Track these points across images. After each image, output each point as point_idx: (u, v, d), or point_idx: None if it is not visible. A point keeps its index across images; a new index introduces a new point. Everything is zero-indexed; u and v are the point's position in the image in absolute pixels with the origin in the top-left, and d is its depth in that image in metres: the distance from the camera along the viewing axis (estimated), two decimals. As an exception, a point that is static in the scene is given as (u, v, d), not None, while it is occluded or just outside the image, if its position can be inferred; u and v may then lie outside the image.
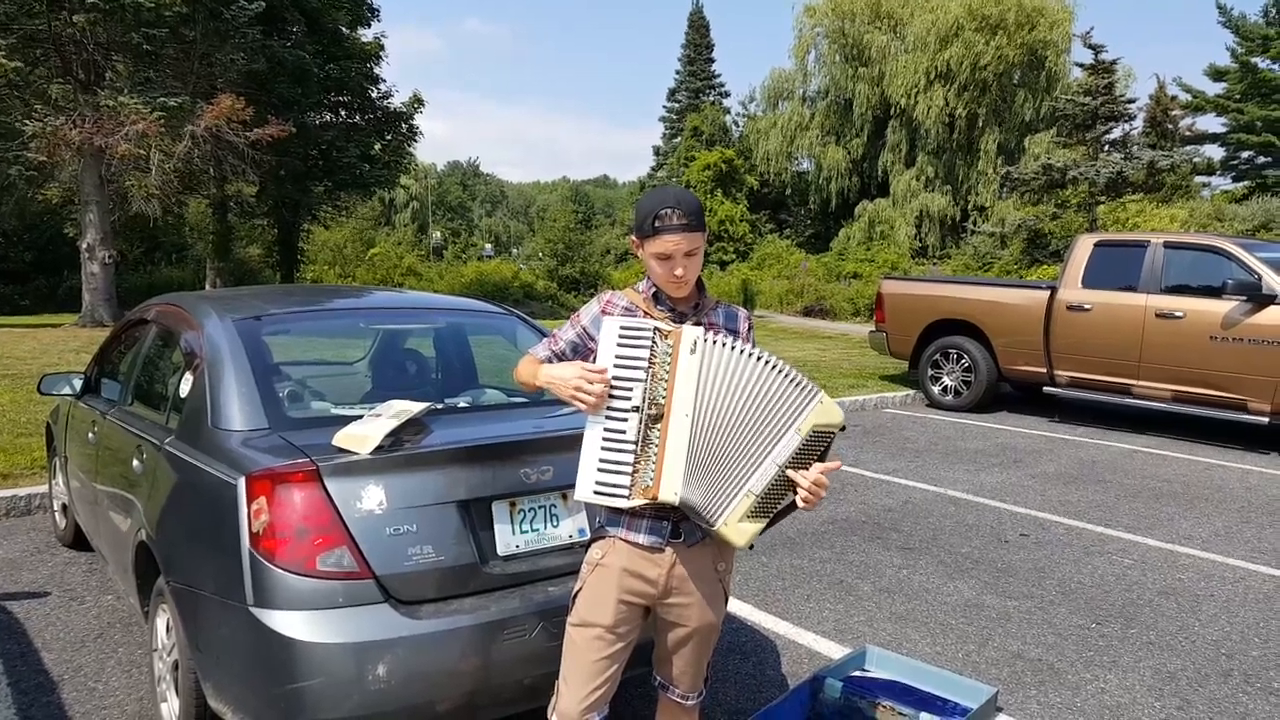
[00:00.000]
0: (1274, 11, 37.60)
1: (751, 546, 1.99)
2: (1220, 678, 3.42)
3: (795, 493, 1.96)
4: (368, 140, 21.53)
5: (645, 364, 1.94)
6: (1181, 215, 23.68)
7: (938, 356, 9.55)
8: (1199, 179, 32.20)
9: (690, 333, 1.94)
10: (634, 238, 2.05)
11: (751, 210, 35.19)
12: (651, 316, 2.05)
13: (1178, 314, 7.71)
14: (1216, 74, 39.55)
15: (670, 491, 1.92)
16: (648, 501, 1.94)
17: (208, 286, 20.35)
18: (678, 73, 49.09)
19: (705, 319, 2.10)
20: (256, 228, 25.86)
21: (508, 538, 2.50)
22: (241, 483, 2.33)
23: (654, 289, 2.07)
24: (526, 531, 2.54)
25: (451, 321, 3.76)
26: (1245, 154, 38.36)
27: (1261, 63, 38.10)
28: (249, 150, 15.34)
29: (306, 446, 2.41)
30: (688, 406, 1.93)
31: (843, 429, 2.00)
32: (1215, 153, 37.09)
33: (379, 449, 2.37)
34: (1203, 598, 4.23)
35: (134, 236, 22.65)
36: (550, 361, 2.13)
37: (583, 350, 2.12)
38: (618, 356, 1.96)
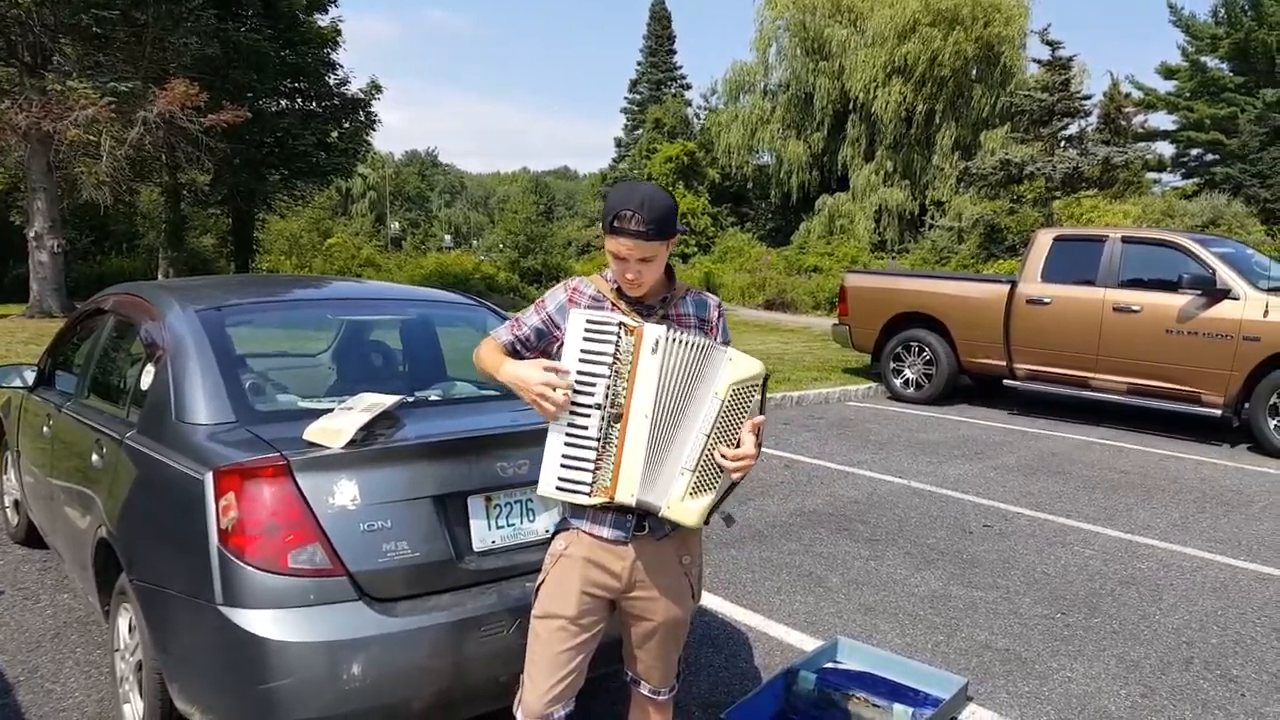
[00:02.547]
0: (1223, 11, 38.54)
1: (708, 521, 1.97)
2: (1181, 665, 3.50)
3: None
4: (325, 128, 21.11)
5: (610, 359, 1.92)
6: (1134, 211, 24.18)
7: (899, 349, 9.65)
8: (1150, 175, 32.92)
9: (652, 332, 1.91)
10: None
11: (713, 203, 35.23)
12: (618, 308, 2.01)
13: (1135, 308, 7.88)
14: (1168, 72, 40.46)
15: (627, 493, 1.91)
16: (606, 500, 1.92)
17: (160, 277, 19.86)
18: (639, 64, 48.96)
19: (673, 310, 2.06)
20: (210, 217, 25.28)
21: (483, 533, 2.46)
22: (209, 478, 2.26)
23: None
24: (503, 526, 2.50)
25: (420, 313, 3.70)
26: (1194, 151, 39.33)
27: (1210, 62, 39.07)
28: (203, 137, 14.96)
29: (276, 441, 2.35)
30: (647, 407, 1.90)
31: (767, 378, 1.98)
32: (1166, 149, 37.97)
33: (352, 443, 2.32)
34: (1163, 587, 4.33)
35: (83, 225, 21.99)
36: (513, 347, 2.08)
37: (547, 338, 2.07)
38: (583, 351, 1.93)
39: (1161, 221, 23.42)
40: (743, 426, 1.93)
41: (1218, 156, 37.02)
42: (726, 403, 1.91)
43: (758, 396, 1.95)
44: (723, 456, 1.91)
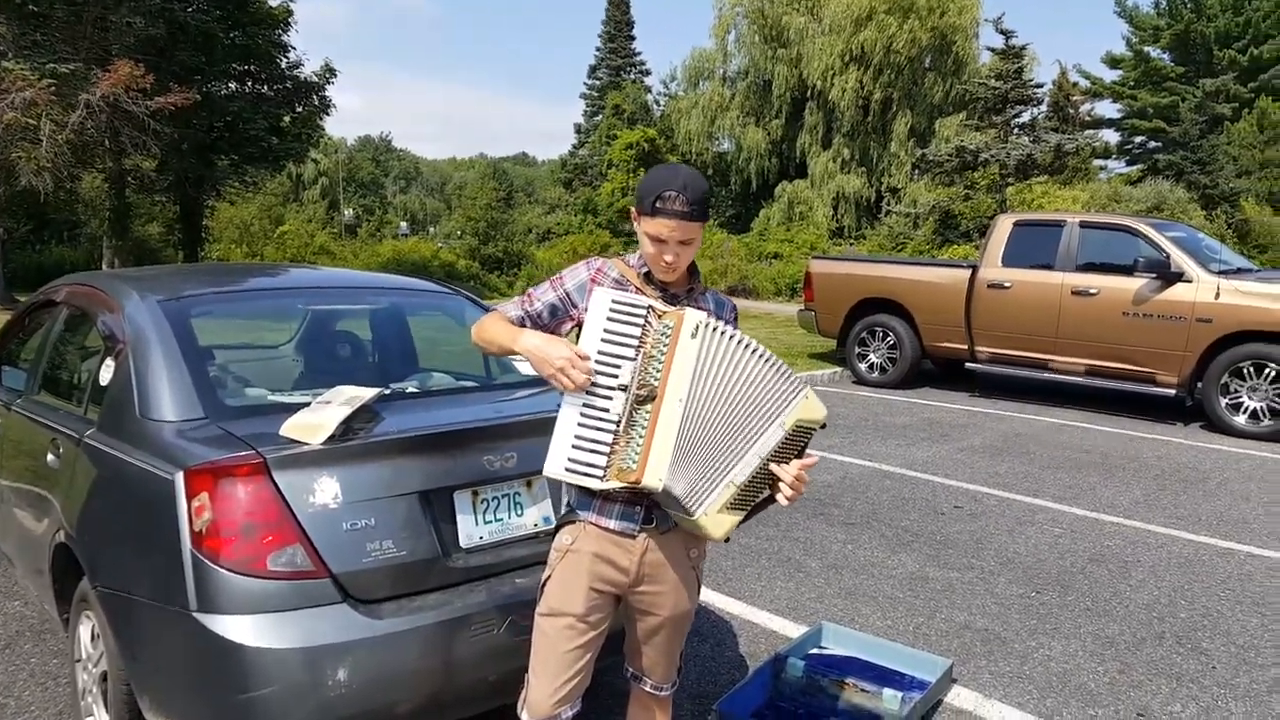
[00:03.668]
0: (1164, 3, 39.43)
1: (727, 539, 1.94)
2: (1155, 640, 3.55)
3: (775, 487, 1.92)
4: (277, 112, 20.60)
5: (636, 342, 1.86)
6: (1083, 197, 24.66)
7: (864, 334, 9.71)
8: (1096, 162, 33.63)
9: (693, 316, 1.86)
10: (634, 208, 1.95)
11: (673, 190, 35.12)
12: (644, 293, 1.96)
13: (1092, 291, 8.01)
14: (1113, 62, 41.34)
15: (655, 477, 1.84)
16: (624, 485, 1.86)
17: (104, 266, 19.24)
18: (598, 50, 48.57)
19: (697, 304, 2.02)
20: (157, 204, 24.53)
21: (470, 529, 2.39)
22: (179, 478, 2.15)
23: (646, 267, 1.98)
24: (490, 522, 2.43)
25: (393, 302, 3.59)
26: (1138, 139, 40.27)
27: (1153, 52, 39.98)
28: (149, 121, 14.49)
29: (250, 437, 2.25)
30: (682, 391, 1.85)
31: (823, 426, 1.97)
32: (1111, 137, 38.80)
33: (331, 439, 2.23)
34: (1131, 564, 4.40)
35: (21, 213, 21.22)
36: (524, 323, 2.00)
37: (561, 315, 2.00)
38: (606, 330, 1.87)
39: (1108, 207, 23.92)
40: (792, 462, 1.91)
41: (1160, 144, 37.93)
42: (790, 434, 1.89)
43: (809, 440, 1.94)
44: (786, 471, 1.89)
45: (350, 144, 75.20)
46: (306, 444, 2.21)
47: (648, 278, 1.98)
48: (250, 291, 3.34)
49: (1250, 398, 7.29)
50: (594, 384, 1.86)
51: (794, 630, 3.57)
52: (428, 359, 3.69)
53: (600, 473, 1.86)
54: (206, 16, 17.50)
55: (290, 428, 2.26)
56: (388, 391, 2.73)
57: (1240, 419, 7.32)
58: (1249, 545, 4.69)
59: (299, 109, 21.22)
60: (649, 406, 1.86)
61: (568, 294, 2.00)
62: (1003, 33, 19.65)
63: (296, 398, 2.67)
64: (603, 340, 1.87)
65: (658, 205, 1.85)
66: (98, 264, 20.28)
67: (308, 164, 42.69)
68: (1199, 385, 7.60)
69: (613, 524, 1.94)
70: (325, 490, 2.18)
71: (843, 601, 3.90)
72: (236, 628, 2.06)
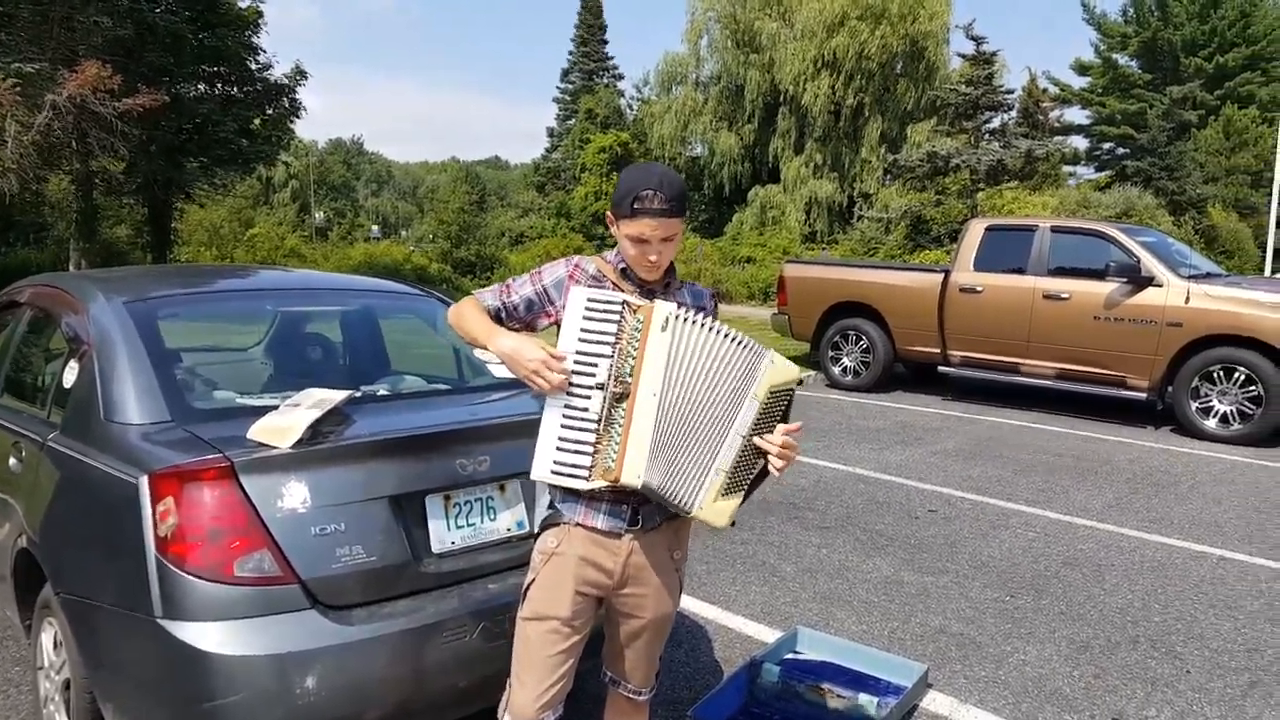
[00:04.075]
0: (1132, 11, 40.09)
1: (733, 523, 1.92)
2: (1129, 644, 3.57)
3: (766, 459, 1.89)
4: (247, 114, 20.35)
5: (612, 339, 1.85)
6: (1052, 203, 24.98)
7: (837, 338, 9.75)
8: (1066, 168, 34.11)
9: (662, 308, 1.85)
10: (610, 213, 1.94)
11: (647, 194, 35.17)
12: (620, 289, 1.95)
13: (1064, 295, 8.09)
14: (1081, 69, 41.94)
15: (633, 474, 1.83)
16: (608, 484, 1.85)
17: (70, 269, 18.90)
18: (571, 53, 48.59)
19: (673, 297, 2.01)
20: (125, 207, 24.15)
21: (442, 533, 2.35)
22: (144, 481, 2.10)
23: (624, 263, 1.96)
24: (462, 526, 2.39)
25: (364, 304, 3.54)
26: (1107, 145, 40.86)
27: (1121, 59, 40.62)
28: (117, 122, 14.24)
29: (217, 440, 2.20)
30: (655, 385, 1.84)
31: (800, 383, 1.95)
32: (1080, 143, 39.36)
33: (300, 442, 2.18)
34: (1104, 568, 4.43)
35: (-16, 215, 20.82)
36: (498, 313, 2.00)
37: (536, 310, 2.00)
38: (583, 330, 1.86)
39: (1077, 212, 24.24)
40: (776, 429, 1.89)
41: (1128, 150, 38.49)
42: (763, 405, 1.86)
43: (789, 402, 1.91)
44: (769, 442, 1.86)
45: (321, 147, 74.58)
46: (275, 447, 2.16)
47: (625, 273, 1.97)
48: (219, 293, 3.27)
49: (1220, 401, 7.39)
50: (574, 384, 1.85)
51: (769, 635, 3.56)
52: (399, 362, 3.64)
53: (585, 473, 1.85)
54: (175, 17, 17.25)
55: (258, 431, 2.21)
56: (358, 394, 2.69)
57: (1210, 423, 7.42)
58: (1221, 549, 4.74)
59: (269, 111, 20.97)
60: (625, 403, 1.85)
61: (545, 290, 1.99)
62: (973, 39, 19.88)
63: (266, 400, 2.62)
64: (580, 339, 1.86)
65: (636, 206, 1.84)
66: (64, 266, 19.91)
67: (278, 167, 42.27)
68: (1169, 389, 7.70)
69: (600, 522, 1.92)
70: (294, 495, 2.14)
71: (818, 606, 3.89)
72: (202, 635, 2.01)
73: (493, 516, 2.46)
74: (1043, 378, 8.37)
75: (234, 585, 2.04)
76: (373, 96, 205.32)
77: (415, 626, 2.17)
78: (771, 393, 1.87)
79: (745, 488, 1.91)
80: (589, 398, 1.85)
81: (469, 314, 1.99)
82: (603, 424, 1.85)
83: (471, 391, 3.00)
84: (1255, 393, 7.17)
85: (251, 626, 2.04)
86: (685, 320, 1.85)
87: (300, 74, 20.66)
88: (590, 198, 34.12)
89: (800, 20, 30.48)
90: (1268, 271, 23.44)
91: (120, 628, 2.15)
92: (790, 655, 3.29)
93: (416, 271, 24.30)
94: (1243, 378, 7.23)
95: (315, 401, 2.38)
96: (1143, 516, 5.29)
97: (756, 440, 1.87)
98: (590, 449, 1.85)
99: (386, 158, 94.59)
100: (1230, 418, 7.34)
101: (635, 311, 1.85)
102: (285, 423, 2.23)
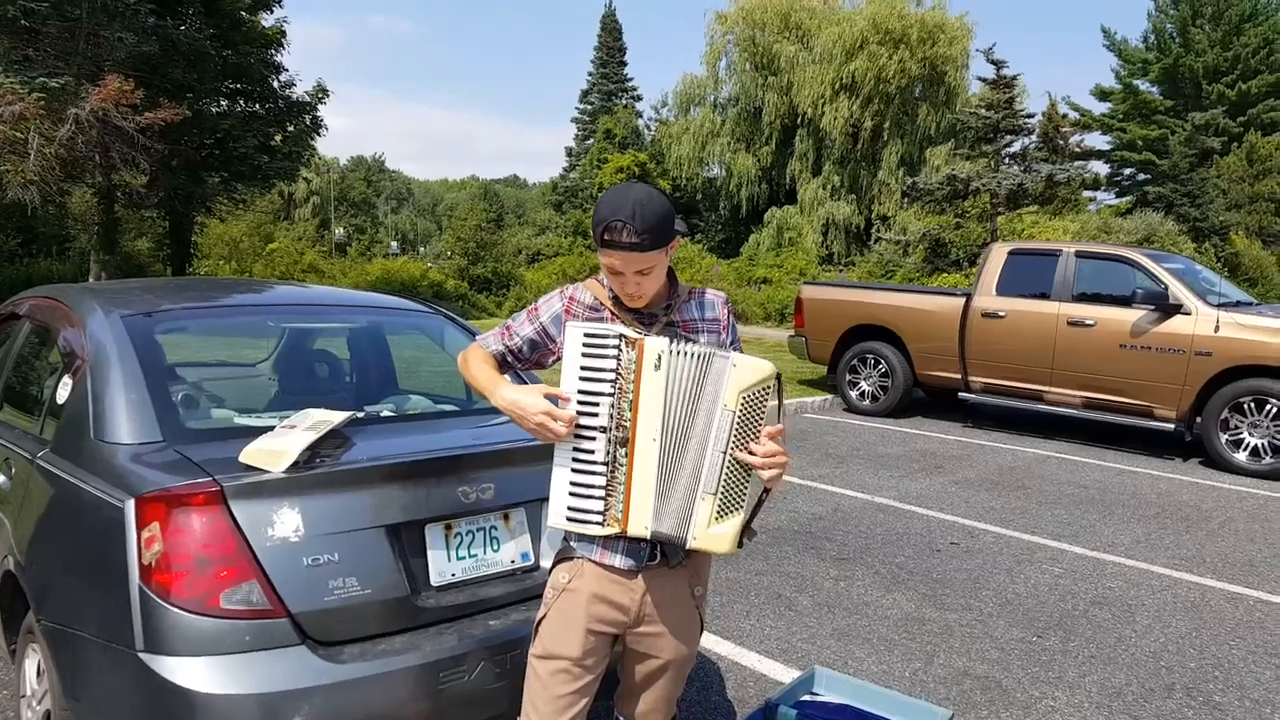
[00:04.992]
0: (1153, 38, 39.94)
1: (742, 545, 1.78)
2: (1164, 692, 3.39)
3: (753, 474, 1.77)
4: (268, 130, 20.49)
5: (612, 375, 1.74)
6: (1073, 228, 24.79)
7: (855, 362, 9.59)
8: (1086, 193, 33.91)
9: (654, 346, 1.73)
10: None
11: (664, 214, 35.20)
12: (617, 317, 1.84)
13: (1089, 322, 7.91)
14: (1102, 94, 41.79)
15: (640, 525, 1.72)
16: (619, 532, 1.75)
17: (90, 280, 19.02)
18: (590, 74, 48.89)
19: (677, 317, 1.89)
20: (146, 220, 24.35)
21: (442, 565, 2.23)
22: (130, 505, 1.99)
23: None
24: (464, 558, 2.27)
25: (370, 320, 3.44)
26: (1127, 170, 40.62)
27: (1142, 85, 40.44)
28: (139, 136, 14.32)
29: (208, 463, 2.09)
30: (654, 430, 1.72)
31: (778, 377, 1.80)
32: (1100, 169, 39.17)
33: (294, 466, 2.07)
34: (1135, 607, 4.25)
35: (10, 226, 21.02)
36: (504, 358, 1.94)
37: (540, 349, 1.92)
38: (583, 368, 1.76)
39: (1098, 238, 24.03)
40: (760, 435, 1.75)
41: (1150, 176, 38.21)
42: (738, 413, 1.73)
43: (773, 401, 1.77)
44: (748, 457, 1.73)
45: (343, 163, 75.26)
46: (267, 471, 2.05)
47: (619, 301, 1.86)
48: (222, 308, 3.18)
49: (1251, 434, 7.17)
50: (581, 425, 1.76)
51: (784, 673, 3.40)
52: (406, 380, 3.54)
53: (599, 518, 1.77)
54: (200, 35, 17.41)
55: (250, 454, 2.10)
56: (361, 415, 2.58)
57: (1241, 456, 7.20)
58: (1258, 590, 4.55)
59: (290, 128, 21.11)
60: (626, 448, 1.75)
61: (544, 328, 1.92)
62: (993, 63, 19.75)
63: (266, 420, 2.52)
64: (581, 378, 1.76)
65: (606, 237, 1.72)
66: (86, 278, 20.07)
67: (299, 182, 42.65)
68: (1198, 420, 7.48)
69: (619, 561, 1.82)
70: (286, 522, 2.03)
71: (835, 643, 3.73)
72: (186, 671, 1.90)
73: (496, 547, 2.33)
74: (1067, 406, 8.17)
75: (220, 618, 1.93)
76: (394, 116, 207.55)
77: (411, 666, 2.05)
78: (744, 398, 1.74)
79: (742, 507, 1.78)
80: (594, 439, 1.76)
81: (474, 363, 1.94)
82: (610, 468, 1.76)
83: (479, 414, 2.88)
84: (1288, 425, 6.95)
85: (237, 663, 1.92)
86: (678, 354, 1.73)
87: (322, 91, 20.80)
88: (607, 217, 34.13)
89: (819, 44, 30.51)
90: (1293, 301, 23.09)
91: (101, 660, 2.03)
92: (807, 696, 3.13)
93: (433, 287, 24.33)
94: (1275, 410, 7.02)
95: (313, 423, 2.27)
96: (1173, 554, 5.10)
97: (738, 455, 1.74)
98: (602, 493, 1.76)
99: (407, 175, 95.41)
100: (1261, 451, 7.12)
101: (631, 346, 1.74)
102: (279, 446, 2.12)
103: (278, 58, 20.34)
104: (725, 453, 1.73)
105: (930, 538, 5.24)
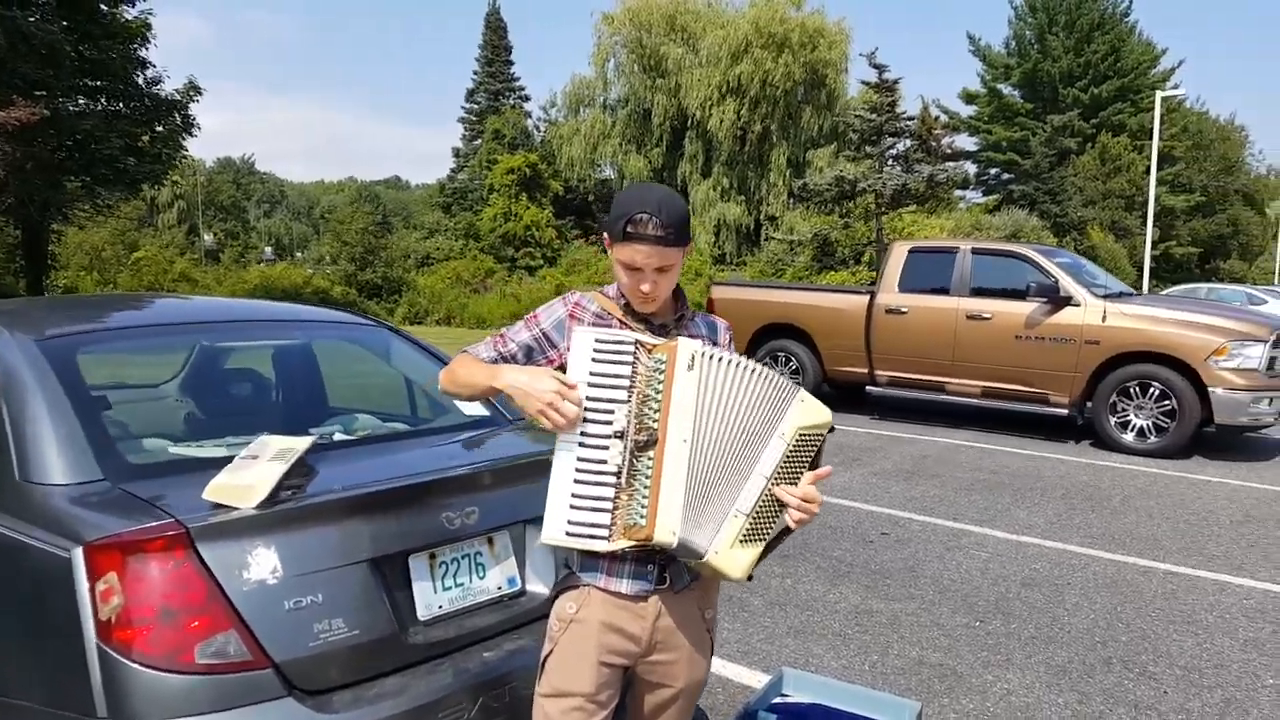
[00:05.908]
0: (1014, 44, 42.32)
1: (750, 578, 1.73)
2: (1104, 666, 3.55)
3: (785, 511, 1.72)
4: (134, 131, 19.23)
5: (628, 383, 1.66)
6: (948, 225, 25.99)
7: (766, 360, 9.74)
8: (956, 192, 35.64)
9: (687, 346, 1.67)
10: (605, 236, 1.76)
11: (557, 216, 35.07)
12: (628, 327, 1.76)
13: (986, 315, 8.28)
14: (969, 98, 43.98)
15: (668, 531, 1.63)
16: (634, 543, 1.65)
17: (-67, 296, 17.36)
18: (476, 74, 48.13)
19: (688, 331, 1.84)
20: (-5, 228, 22.51)
21: (429, 597, 2.09)
22: (78, 554, 1.78)
23: (625, 297, 1.78)
24: (450, 587, 2.14)
25: (310, 336, 3.23)
26: (993, 170, 42.91)
27: (1005, 89, 42.79)
28: (-13, 138, 13.23)
29: (161, 501, 1.89)
30: (686, 431, 1.65)
31: (831, 430, 1.79)
32: (969, 168, 41.28)
33: (267, 501, 1.90)
34: (1062, 586, 4.44)
35: None
36: (496, 364, 1.79)
37: (538, 356, 1.81)
38: (593, 374, 1.66)
39: (972, 234, 25.29)
40: (803, 477, 1.70)
41: (1014, 175, 40.48)
42: (791, 446, 1.68)
43: (819, 446, 1.73)
44: (788, 494, 1.67)
45: (209, 166, 71.53)
46: (236, 508, 1.87)
47: (630, 309, 1.79)
48: (148, 328, 2.91)
49: (1137, 416, 7.66)
50: (585, 434, 1.66)
51: (748, 675, 3.39)
52: (352, 399, 3.34)
53: (606, 532, 1.65)
54: (51, 26, 16.16)
55: (215, 490, 1.91)
56: (321, 440, 2.40)
57: (1128, 436, 7.68)
58: (1165, 563, 4.83)
59: (159, 128, 19.88)
60: (651, 452, 1.66)
61: (544, 333, 1.82)
62: (876, 67, 20.52)
63: (209, 449, 2.32)
64: (590, 384, 1.66)
65: (629, 230, 1.66)
66: (-76, 294, 18.32)
67: (164, 186, 40.31)
68: (1089, 405, 7.94)
69: (625, 586, 1.72)
70: (262, 563, 1.85)
71: (793, 641, 3.75)
72: (156, 737, 1.70)
73: (482, 574, 2.21)
74: (968, 396, 8.53)
75: (195, 675, 1.74)
76: (264, 114, 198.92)
77: (407, 709, 1.91)
78: (800, 434, 1.71)
79: (766, 539, 1.73)
80: (606, 448, 1.66)
81: (465, 363, 1.81)
82: (625, 476, 1.66)
83: (441, 433, 2.74)
84: (1169, 407, 7.46)
85: (217, 722, 1.74)
86: (711, 358, 1.68)
87: (194, 89, 19.69)
88: (499, 219, 33.69)
89: (705, 47, 30.98)
90: (1145, 289, 24.91)
91: (51, 731, 1.81)
92: (779, 699, 3.12)
93: (319, 295, 23.42)
94: (1158, 392, 7.51)
95: (276, 452, 2.09)
96: (1084, 533, 5.37)
97: (777, 490, 1.70)
98: (610, 504, 1.65)
99: (279, 176, 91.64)
100: (1147, 431, 7.62)
101: (651, 351, 1.67)
102: (247, 480, 1.94)
103: (142, 52, 19.12)
104: (768, 479, 1.68)
105: (862, 529, 5.35)
